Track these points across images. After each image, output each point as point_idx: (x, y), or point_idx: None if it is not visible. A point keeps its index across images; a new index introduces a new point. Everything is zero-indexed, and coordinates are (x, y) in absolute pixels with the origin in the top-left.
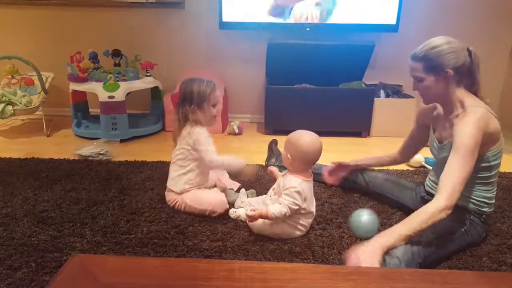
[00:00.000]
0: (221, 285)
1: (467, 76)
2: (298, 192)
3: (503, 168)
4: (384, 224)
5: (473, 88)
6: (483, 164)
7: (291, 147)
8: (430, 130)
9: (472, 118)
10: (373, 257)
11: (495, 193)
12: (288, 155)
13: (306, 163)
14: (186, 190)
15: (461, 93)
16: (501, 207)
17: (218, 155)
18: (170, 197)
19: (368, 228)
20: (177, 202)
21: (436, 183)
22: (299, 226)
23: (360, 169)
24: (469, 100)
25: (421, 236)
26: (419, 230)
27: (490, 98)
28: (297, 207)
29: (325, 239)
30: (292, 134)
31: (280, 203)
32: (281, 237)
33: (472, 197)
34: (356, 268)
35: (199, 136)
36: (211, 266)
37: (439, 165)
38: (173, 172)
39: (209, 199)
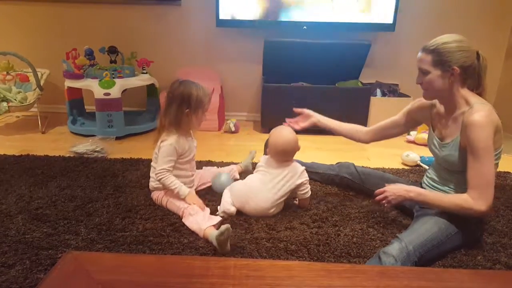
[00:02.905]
0: (216, 283)
1: (473, 77)
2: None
3: (498, 167)
4: (379, 222)
5: (478, 90)
6: None
7: (270, 142)
8: (424, 126)
9: (482, 115)
10: (399, 189)
11: None
12: (268, 149)
13: (277, 154)
14: (154, 188)
15: (465, 92)
16: (495, 206)
17: (168, 175)
18: (154, 196)
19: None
20: (158, 197)
21: (434, 181)
22: None
23: (320, 125)
24: (475, 98)
25: (417, 235)
26: (439, 207)
27: (486, 97)
28: None
29: (321, 237)
30: (272, 131)
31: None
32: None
33: None
34: (352, 266)
35: (162, 148)
36: (206, 263)
37: (440, 162)
38: (151, 173)
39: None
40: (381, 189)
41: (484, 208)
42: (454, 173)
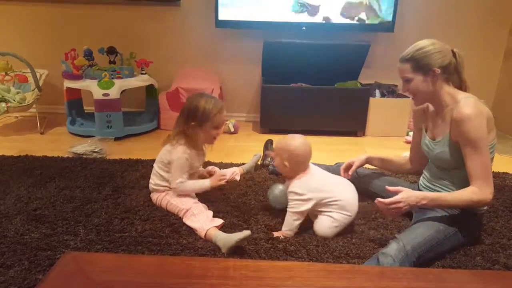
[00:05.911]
0: (215, 283)
1: (454, 75)
2: (294, 193)
3: (496, 168)
4: (379, 223)
5: (462, 87)
6: None
7: (285, 154)
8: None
9: (471, 108)
10: (413, 197)
11: None
12: (285, 163)
13: (304, 163)
14: (154, 189)
15: (451, 90)
16: (494, 206)
17: (185, 184)
18: (154, 196)
19: (281, 200)
20: (158, 198)
21: (430, 182)
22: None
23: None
24: (461, 94)
25: (415, 235)
26: (453, 207)
27: (485, 98)
28: (299, 206)
29: (320, 237)
30: (282, 142)
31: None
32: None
33: None
34: (352, 267)
35: (177, 161)
36: (206, 264)
37: (434, 162)
38: (152, 174)
39: (188, 200)
40: (394, 199)
41: (490, 196)
42: (448, 171)
